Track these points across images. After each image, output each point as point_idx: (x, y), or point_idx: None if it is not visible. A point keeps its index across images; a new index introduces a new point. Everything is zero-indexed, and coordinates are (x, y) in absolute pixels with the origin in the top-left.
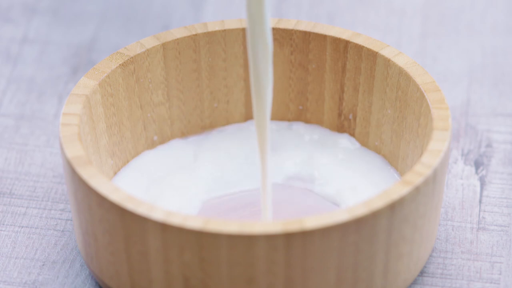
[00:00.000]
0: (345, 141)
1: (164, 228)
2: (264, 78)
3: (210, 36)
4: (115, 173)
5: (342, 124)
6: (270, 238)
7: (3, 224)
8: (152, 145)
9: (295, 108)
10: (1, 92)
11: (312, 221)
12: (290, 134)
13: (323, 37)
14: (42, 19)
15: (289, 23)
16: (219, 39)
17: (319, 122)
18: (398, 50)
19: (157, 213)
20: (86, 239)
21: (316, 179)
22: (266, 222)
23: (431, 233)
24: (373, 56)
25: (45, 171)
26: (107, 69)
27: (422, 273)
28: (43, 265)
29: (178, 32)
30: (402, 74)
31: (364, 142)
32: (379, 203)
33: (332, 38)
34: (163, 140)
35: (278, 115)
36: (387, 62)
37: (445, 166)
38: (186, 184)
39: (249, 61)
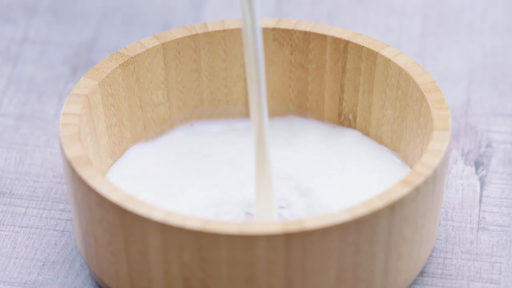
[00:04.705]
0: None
1: (164, 228)
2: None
3: (210, 36)
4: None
5: (342, 124)
6: (270, 238)
7: (3, 224)
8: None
9: (295, 108)
10: (1, 92)
11: (312, 221)
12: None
13: (323, 37)
14: (42, 19)
15: (289, 23)
16: (219, 39)
17: None
18: (398, 50)
19: (157, 213)
20: (86, 239)
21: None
22: (266, 222)
23: (431, 233)
24: (373, 56)
25: (45, 171)
26: (107, 69)
27: (422, 273)
28: (43, 265)
29: (178, 32)
30: (402, 74)
31: None
32: (379, 203)
33: (332, 38)
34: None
35: (278, 115)
36: (387, 62)
37: (445, 166)
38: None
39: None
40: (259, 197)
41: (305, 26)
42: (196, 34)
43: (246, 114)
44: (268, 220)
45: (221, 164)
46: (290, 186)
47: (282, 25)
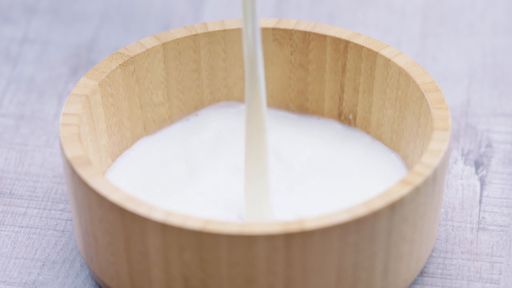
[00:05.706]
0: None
1: (164, 228)
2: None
3: (210, 36)
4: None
5: (342, 124)
6: (270, 238)
7: (3, 224)
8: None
9: (295, 108)
10: (1, 92)
11: (312, 221)
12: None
13: (323, 37)
14: (42, 19)
15: (289, 23)
16: (219, 39)
17: None
18: (398, 50)
19: (157, 213)
20: (86, 239)
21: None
22: (266, 222)
23: (431, 233)
24: (373, 56)
25: (45, 171)
26: (107, 69)
27: (422, 273)
28: (43, 265)
29: (178, 32)
30: (402, 74)
31: None
32: (379, 203)
33: (332, 38)
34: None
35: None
36: (387, 62)
37: (445, 166)
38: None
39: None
40: (251, 197)
41: (305, 26)
42: (196, 34)
43: None
44: (267, 220)
45: (221, 163)
46: (285, 183)
47: (282, 25)
